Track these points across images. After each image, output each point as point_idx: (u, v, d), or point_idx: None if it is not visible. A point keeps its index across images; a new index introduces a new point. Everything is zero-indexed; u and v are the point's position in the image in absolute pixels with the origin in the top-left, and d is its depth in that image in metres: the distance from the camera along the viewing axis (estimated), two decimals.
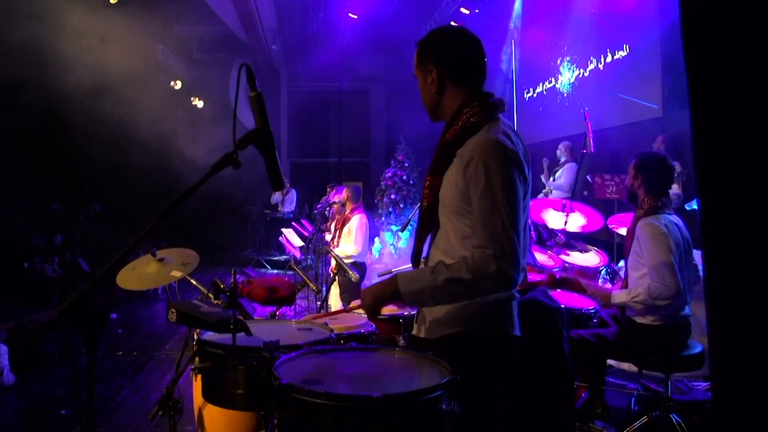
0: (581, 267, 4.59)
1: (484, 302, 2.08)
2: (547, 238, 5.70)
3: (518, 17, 12.03)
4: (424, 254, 2.28)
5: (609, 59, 9.06)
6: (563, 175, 8.77)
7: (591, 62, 9.59)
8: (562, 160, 8.93)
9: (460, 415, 1.78)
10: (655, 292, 3.51)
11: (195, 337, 2.53)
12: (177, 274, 3.04)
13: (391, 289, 2.07)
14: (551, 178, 8.96)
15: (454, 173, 2.08)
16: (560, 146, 9.08)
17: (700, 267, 3.88)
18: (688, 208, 6.54)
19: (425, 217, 2.21)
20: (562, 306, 2.63)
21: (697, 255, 3.82)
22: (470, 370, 1.98)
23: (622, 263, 5.49)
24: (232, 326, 2.11)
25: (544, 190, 9.04)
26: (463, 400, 1.85)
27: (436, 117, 2.27)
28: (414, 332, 2.30)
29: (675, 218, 3.71)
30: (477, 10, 12.07)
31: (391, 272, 4.46)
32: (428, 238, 2.25)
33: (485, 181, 1.97)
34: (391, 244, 12.79)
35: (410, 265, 2.35)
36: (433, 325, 2.17)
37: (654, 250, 3.56)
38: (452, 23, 12.57)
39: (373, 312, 2.15)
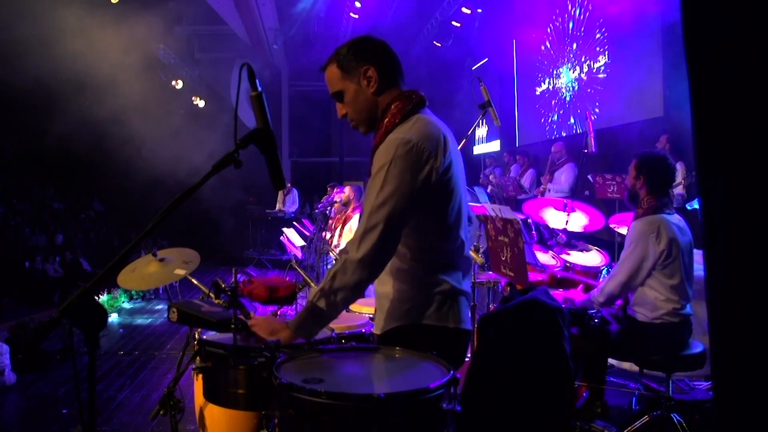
0: (583, 267, 4.59)
1: (423, 297, 2.11)
2: (548, 237, 5.70)
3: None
4: None
5: (610, 59, 9.06)
6: (563, 176, 8.77)
7: (592, 62, 9.59)
8: (561, 160, 8.94)
9: (461, 414, 1.78)
10: (602, 290, 3.75)
11: (196, 336, 2.54)
12: (180, 272, 3.04)
13: (283, 328, 2.11)
14: (549, 177, 8.97)
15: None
16: (555, 147, 9.10)
17: (701, 267, 3.89)
18: (689, 208, 6.54)
19: None
20: (563, 305, 2.63)
21: (698, 254, 3.82)
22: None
23: None
24: (233, 326, 2.11)
25: (538, 191, 9.05)
26: None
27: (372, 124, 2.23)
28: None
29: (676, 218, 3.72)
30: (479, 10, 12.08)
31: None
32: None
33: (372, 176, 2.07)
34: None
35: None
36: (380, 320, 2.22)
37: (628, 249, 3.69)
38: (454, 22, 12.59)
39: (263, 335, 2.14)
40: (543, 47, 11.27)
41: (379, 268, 2.06)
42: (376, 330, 2.25)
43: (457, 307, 2.14)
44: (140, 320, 8.41)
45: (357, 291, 2.05)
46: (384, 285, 2.21)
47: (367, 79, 2.17)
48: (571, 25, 10.24)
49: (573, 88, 10.27)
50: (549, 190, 8.76)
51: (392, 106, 2.15)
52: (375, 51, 2.20)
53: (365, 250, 1.99)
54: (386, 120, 2.15)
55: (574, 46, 10.17)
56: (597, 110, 9.32)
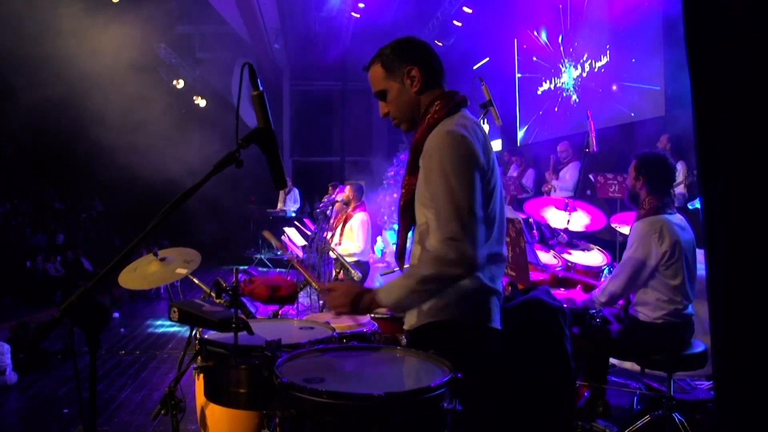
0: (585, 267, 4.58)
1: (458, 293, 2.10)
2: (549, 237, 5.69)
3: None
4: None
5: (611, 58, 9.05)
6: (567, 174, 8.75)
7: (593, 61, 9.58)
8: (567, 159, 8.92)
9: (461, 413, 1.78)
10: (604, 290, 3.72)
11: (197, 336, 2.54)
12: (182, 271, 3.05)
13: (369, 297, 2.08)
14: (554, 176, 8.95)
15: (422, 167, 2.15)
16: (560, 147, 9.07)
17: (703, 266, 3.89)
18: (690, 207, 6.54)
19: (404, 214, 2.27)
20: (564, 305, 2.63)
21: (699, 254, 3.82)
22: (463, 364, 2.01)
23: None
24: (234, 325, 2.11)
25: (545, 188, 9.02)
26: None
27: (414, 123, 2.27)
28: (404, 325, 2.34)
29: (678, 217, 3.71)
30: (479, 9, 12.07)
31: (394, 271, 4.48)
32: (404, 236, 2.32)
33: (437, 170, 2.04)
34: (393, 243, 12.77)
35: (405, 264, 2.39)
36: (411, 316, 2.23)
37: (631, 250, 3.68)
38: (456, 22, 12.59)
39: (342, 310, 2.14)
40: (545, 46, 11.27)
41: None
42: (407, 326, 2.26)
43: (487, 304, 2.15)
44: (141, 320, 8.43)
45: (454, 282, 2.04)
46: None
47: (410, 79, 2.22)
48: (572, 24, 10.23)
49: (574, 87, 10.27)
50: (554, 189, 8.75)
51: (436, 104, 2.19)
52: (418, 51, 2.25)
53: (475, 245, 1.97)
54: (428, 116, 2.18)
55: (576, 45, 10.16)
56: (598, 109, 9.31)
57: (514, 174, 10.34)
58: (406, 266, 2.32)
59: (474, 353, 2.09)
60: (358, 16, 13.65)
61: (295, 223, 9.52)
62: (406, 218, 2.26)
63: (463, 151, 2.04)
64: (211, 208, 13.37)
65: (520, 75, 12.58)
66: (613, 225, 5.20)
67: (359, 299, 2.09)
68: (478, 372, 2.10)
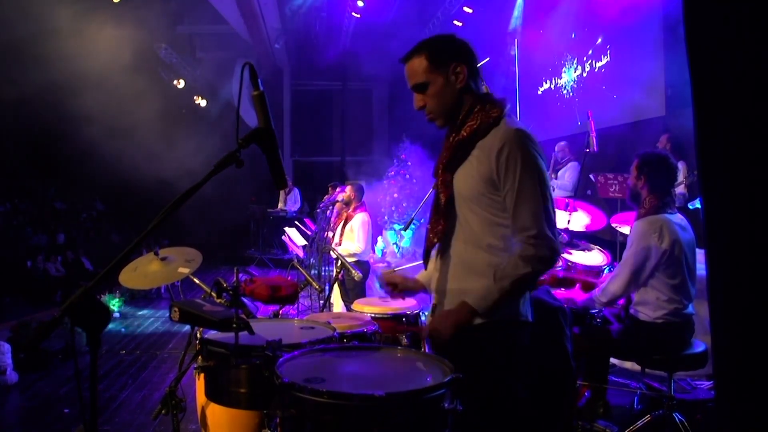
0: (585, 267, 4.58)
1: None
2: None
3: (519, 17, 11.99)
4: (434, 249, 2.31)
5: (612, 58, 9.04)
6: (566, 174, 8.74)
7: (594, 60, 9.57)
8: (564, 159, 8.91)
9: (463, 412, 1.78)
10: (605, 290, 3.72)
11: (198, 336, 2.54)
12: (184, 270, 3.04)
13: (466, 312, 2.10)
14: (553, 176, 8.94)
15: (476, 164, 2.14)
16: (558, 147, 9.06)
17: (703, 266, 3.88)
18: (691, 207, 6.53)
19: (444, 211, 2.23)
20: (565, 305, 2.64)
21: (700, 254, 3.81)
22: (502, 358, 2.08)
23: None
24: (234, 325, 2.11)
25: None
26: (494, 389, 1.98)
27: (450, 118, 2.25)
28: None
29: (678, 217, 3.71)
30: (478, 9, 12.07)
31: (395, 271, 4.48)
32: (442, 233, 2.27)
33: (521, 166, 2.06)
34: (394, 243, 12.76)
35: (418, 262, 2.37)
36: None
37: (631, 249, 3.67)
38: (456, 22, 12.58)
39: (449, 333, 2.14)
40: (545, 47, 11.25)
41: None
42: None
43: (528, 299, 2.21)
44: (142, 320, 8.43)
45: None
46: (470, 282, 2.18)
47: (455, 75, 2.22)
48: (572, 24, 10.22)
49: (575, 87, 10.26)
50: (553, 189, 8.73)
51: (488, 104, 2.20)
52: (465, 50, 2.27)
53: (558, 238, 2.11)
54: (483, 114, 2.18)
55: (576, 45, 10.15)
56: (598, 109, 9.30)
57: None
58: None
59: (523, 349, 2.15)
60: (359, 15, 13.64)
61: (296, 223, 9.53)
62: (444, 215, 2.23)
63: (539, 150, 2.11)
64: (211, 208, 13.36)
65: (520, 75, 12.58)
66: (613, 225, 5.19)
67: (459, 317, 2.11)
68: (517, 366, 2.15)
